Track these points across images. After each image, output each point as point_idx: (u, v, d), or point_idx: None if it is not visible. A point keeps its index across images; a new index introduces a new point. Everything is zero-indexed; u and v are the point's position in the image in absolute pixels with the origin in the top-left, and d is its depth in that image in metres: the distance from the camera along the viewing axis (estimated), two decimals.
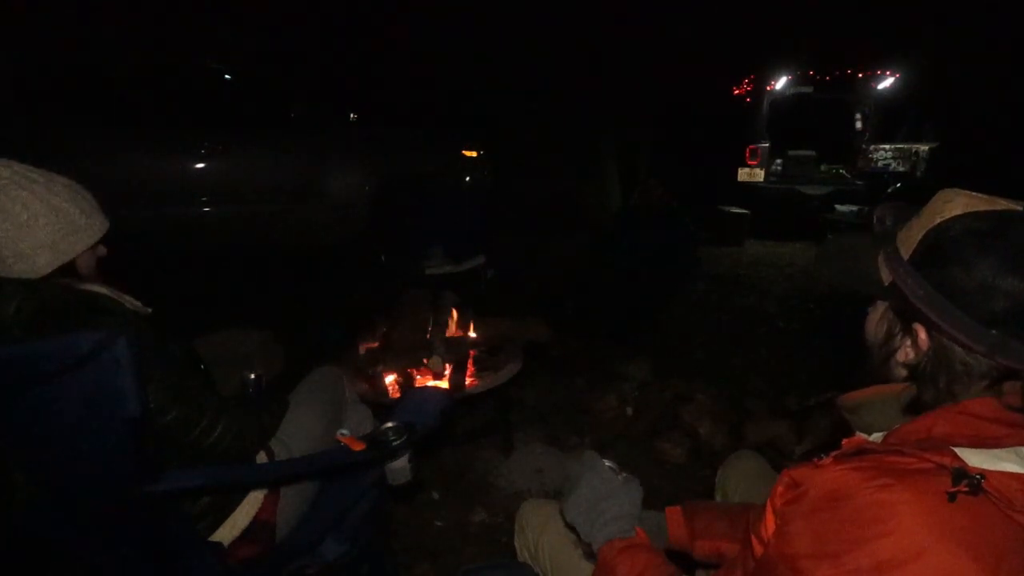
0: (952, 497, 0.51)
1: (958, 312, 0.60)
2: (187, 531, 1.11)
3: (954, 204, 0.63)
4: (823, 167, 7.62)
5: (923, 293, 0.63)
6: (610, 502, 0.89)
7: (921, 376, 0.65)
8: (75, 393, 0.90)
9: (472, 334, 2.44)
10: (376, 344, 2.31)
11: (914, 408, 0.66)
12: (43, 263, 1.02)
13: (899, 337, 0.69)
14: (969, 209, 0.62)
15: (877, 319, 0.73)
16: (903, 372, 0.69)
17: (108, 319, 0.99)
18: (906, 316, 0.67)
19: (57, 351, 0.88)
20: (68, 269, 1.06)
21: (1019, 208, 0.62)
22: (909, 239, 0.66)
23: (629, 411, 2.64)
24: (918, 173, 6.97)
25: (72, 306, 1.00)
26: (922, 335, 0.65)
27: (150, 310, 1.11)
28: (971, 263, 0.59)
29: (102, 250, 1.14)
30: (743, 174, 7.13)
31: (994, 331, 0.58)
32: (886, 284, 0.68)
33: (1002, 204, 0.62)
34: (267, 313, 3.28)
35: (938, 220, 0.63)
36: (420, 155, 4.59)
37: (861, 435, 0.70)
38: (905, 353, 0.68)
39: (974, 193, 0.64)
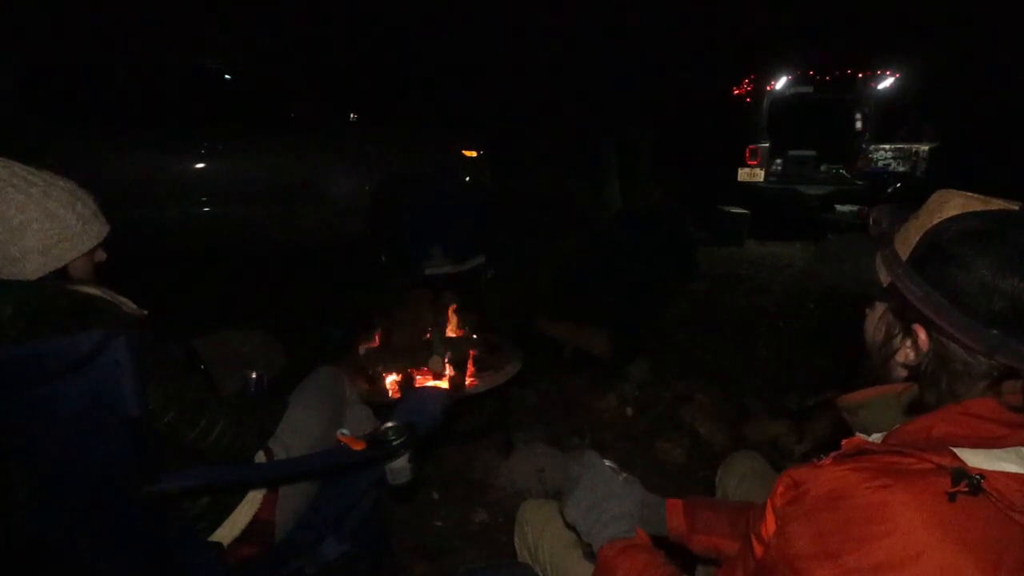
0: (952, 497, 0.51)
1: (957, 312, 0.60)
2: (187, 531, 1.11)
3: (951, 205, 0.64)
4: (823, 167, 7.61)
5: (922, 294, 0.63)
6: (611, 502, 0.89)
7: (923, 377, 0.65)
8: (75, 393, 0.90)
9: (472, 334, 2.44)
10: (376, 344, 2.31)
11: (916, 408, 0.66)
12: (32, 268, 1.01)
13: (899, 338, 0.69)
14: (966, 209, 0.63)
15: (876, 320, 0.72)
16: (903, 372, 0.69)
17: (106, 320, 0.99)
18: (906, 317, 0.67)
19: (57, 352, 0.88)
20: (61, 273, 1.05)
21: (1015, 208, 0.62)
22: (907, 240, 0.66)
23: (629, 411, 2.64)
24: (918, 173, 6.96)
25: (69, 308, 0.99)
26: (922, 336, 0.65)
27: (147, 312, 1.10)
28: (970, 263, 0.59)
29: (101, 254, 1.13)
30: (743, 174, 7.12)
31: (994, 331, 0.58)
32: (885, 285, 0.68)
33: (997, 204, 0.63)
34: (267, 313, 3.28)
35: (935, 221, 0.64)
36: (420, 155, 4.58)
37: (860, 436, 0.70)
38: (905, 354, 0.68)
39: (969, 193, 0.64)
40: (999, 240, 0.59)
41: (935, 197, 0.67)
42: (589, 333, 3.11)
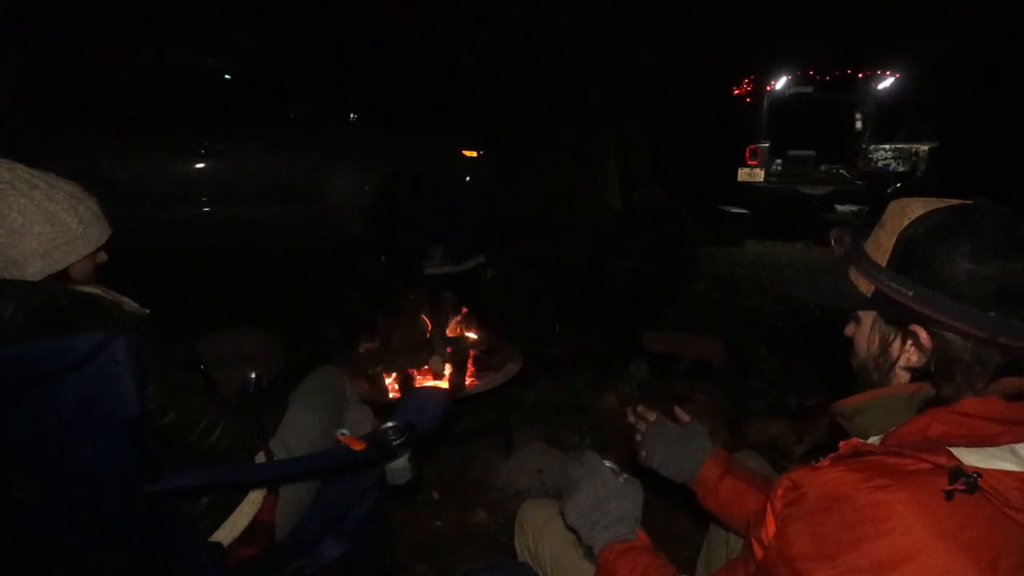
0: (949, 496, 0.51)
1: (953, 302, 0.61)
2: (187, 531, 1.11)
3: (913, 207, 0.66)
4: (823, 167, 7.62)
5: (913, 292, 0.63)
6: (611, 504, 0.89)
7: (935, 375, 0.65)
8: (75, 393, 0.90)
9: (472, 334, 2.44)
10: (376, 344, 2.31)
11: (933, 407, 0.65)
12: (33, 271, 1.01)
13: (897, 344, 0.68)
14: (929, 208, 0.65)
15: (867, 333, 0.72)
16: (905, 376, 0.69)
17: (106, 320, 0.99)
18: (900, 320, 0.67)
19: (57, 352, 0.88)
20: (61, 275, 1.05)
21: (969, 202, 0.65)
22: (881, 248, 0.67)
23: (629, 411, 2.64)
24: (918, 173, 6.96)
25: (69, 308, 0.99)
26: (923, 335, 0.65)
27: (148, 312, 1.11)
28: (951, 255, 0.61)
29: (103, 256, 1.13)
30: (743, 174, 7.12)
31: (992, 313, 0.59)
32: (869, 295, 0.69)
33: (954, 202, 0.65)
34: (267, 313, 3.28)
35: (905, 224, 0.65)
36: (420, 155, 4.59)
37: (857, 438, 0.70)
38: (908, 358, 0.67)
39: (924, 198, 0.67)
40: (970, 227, 0.61)
41: (894, 205, 0.69)
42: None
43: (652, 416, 1.14)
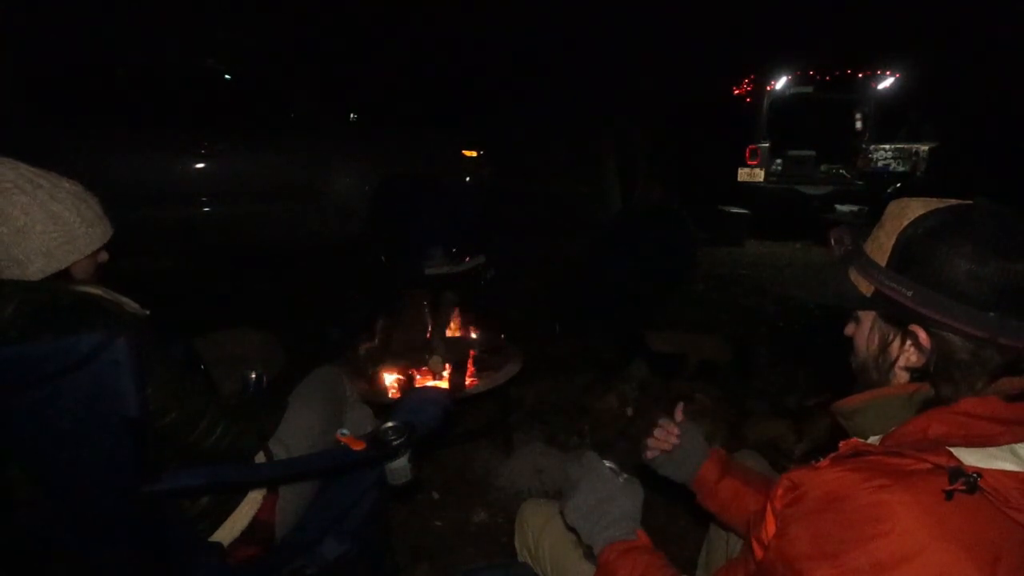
0: (949, 496, 0.51)
1: (953, 303, 0.61)
2: (187, 531, 1.11)
3: (913, 207, 0.66)
4: (823, 167, 7.62)
5: (913, 293, 0.63)
6: (611, 504, 0.89)
7: (934, 375, 0.65)
8: (75, 394, 0.90)
9: (472, 334, 2.44)
10: (376, 344, 2.31)
11: (932, 407, 0.65)
12: (35, 270, 1.01)
13: (896, 344, 0.68)
14: (929, 208, 0.65)
15: (867, 333, 0.72)
16: (905, 376, 0.69)
17: (106, 320, 0.99)
18: (900, 320, 0.67)
19: (57, 352, 0.88)
20: (63, 274, 1.05)
21: (969, 202, 0.65)
22: (881, 248, 0.67)
23: (629, 411, 2.64)
24: (918, 173, 6.97)
25: (70, 308, 0.99)
26: (922, 335, 0.65)
27: (148, 312, 1.11)
28: (951, 255, 0.61)
29: (104, 256, 1.13)
30: (743, 174, 7.12)
31: (991, 313, 0.59)
32: (868, 295, 0.69)
33: (954, 202, 0.65)
34: (267, 313, 3.28)
35: (904, 223, 0.65)
36: (420, 155, 4.59)
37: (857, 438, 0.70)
38: (907, 358, 0.67)
39: (924, 198, 0.67)
40: (969, 227, 0.61)
41: (894, 205, 0.69)
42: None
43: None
